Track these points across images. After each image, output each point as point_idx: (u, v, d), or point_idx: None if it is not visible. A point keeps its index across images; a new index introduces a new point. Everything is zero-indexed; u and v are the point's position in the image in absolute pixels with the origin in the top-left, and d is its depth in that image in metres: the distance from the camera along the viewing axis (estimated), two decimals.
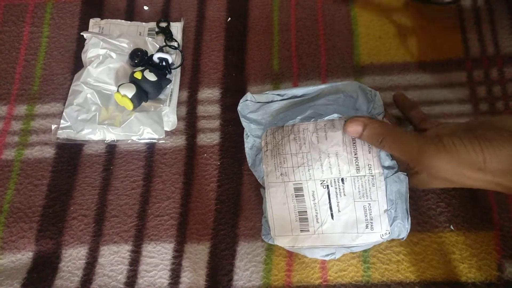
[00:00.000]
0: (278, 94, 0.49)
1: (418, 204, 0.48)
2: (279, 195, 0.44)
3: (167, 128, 0.53)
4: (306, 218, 0.43)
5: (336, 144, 0.43)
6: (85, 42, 0.56)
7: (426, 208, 0.48)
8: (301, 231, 0.43)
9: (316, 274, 0.46)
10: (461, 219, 0.47)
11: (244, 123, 0.49)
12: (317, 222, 0.43)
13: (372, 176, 0.42)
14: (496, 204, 0.48)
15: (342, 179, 0.42)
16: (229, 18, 0.59)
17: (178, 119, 0.54)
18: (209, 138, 0.53)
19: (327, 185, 0.42)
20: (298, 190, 0.43)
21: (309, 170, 0.43)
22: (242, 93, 0.55)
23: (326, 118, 0.44)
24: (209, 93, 0.55)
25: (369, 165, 0.42)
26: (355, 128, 0.41)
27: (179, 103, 0.55)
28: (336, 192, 0.42)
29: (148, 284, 0.47)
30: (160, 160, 0.52)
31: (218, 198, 0.50)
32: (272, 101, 0.49)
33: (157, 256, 0.48)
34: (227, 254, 0.47)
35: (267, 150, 0.45)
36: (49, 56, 0.58)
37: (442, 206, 0.48)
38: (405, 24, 0.57)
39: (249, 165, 0.48)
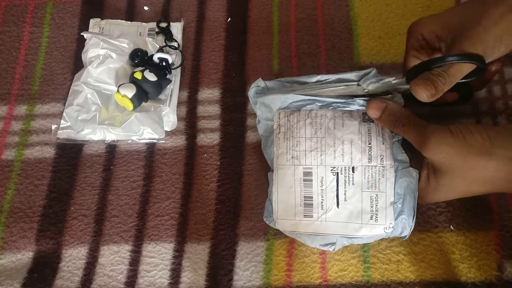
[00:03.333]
0: (289, 82, 0.48)
1: (418, 204, 0.48)
2: (287, 178, 0.44)
3: (167, 128, 0.53)
4: (311, 204, 0.43)
5: (352, 132, 0.44)
6: (85, 42, 0.56)
7: (426, 208, 0.48)
8: (305, 216, 0.43)
9: (316, 274, 0.46)
10: (461, 219, 0.47)
11: (255, 107, 0.49)
12: (322, 209, 0.43)
13: (383, 167, 0.43)
14: (496, 204, 0.48)
15: (353, 168, 0.43)
16: (229, 18, 0.59)
17: (178, 119, 0.54)
18: (209, 138, 0.53)
19: (337, 172, 0.43)
20: (307, 174, 0.43)
21: (321, 155, 0.43)
22: (242, 93, 0.55)
23: (345, 108, 0.45)
24: (209, 93, 0.55)
25: (381, 156, 0.43)
26: (378, 105, 0.43)
27: (179, 103, 0.55)
28: (345, 180, 0.43)
29: (148, 284, 0.47)
30: (160, 160, 0.52)
31: (218, 198, 0.50)
32: (284, 89, 0.48)
33: (157, 256, 0.48)
34: (227, 254, 0.47)
35: (279, 133, 0.45)
36: (49, 56, 0.58)
37: (442, 206, 0.48)
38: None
39: (262, 147, 0.49)
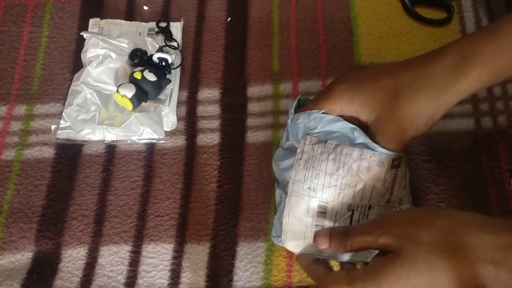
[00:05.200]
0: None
1: (418, 204, 0.48)
2: (301, 208, 0.42)
3: (167, 128, 0.53)
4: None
5: (377, 179, 0.42)
6: (85, 42, 0.56)
7: None
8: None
9: None
10: None
11: (291, 119, 0.45)
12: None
13: (400, 208, 0.42)
14: (497, 204, 0.47)
15: (370, 206, 0.42)
16: (229, 18, 0.59)
17: (178, 119, 0.54)
18: (209, 138, 0.53)
19: (353, 209, 0.42)
20: (322, 207, 0.42)
21: (339, 193, 0.42)
22: (242, 93, 0.55)
23: (374, 151, 0.42)
24: (209, 93, 0.55)
25: (400, 199, 0.42)
26: (324, 233, 0.40)
27: (179, 103, 0.55)
28: (360, 216, 0.42)
29: (148, 284, 0.47)
30: (160, 160, 0.52)
31: (218, 198, 0.50)
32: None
33: (157, 257, 0.48)
34: (227, 255, 0.47)
35: (301, 159, 0.43)
36: (49, 56, 0.58)
37: (442, 206, 0.48)
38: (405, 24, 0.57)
39: (274, 157, 0.46)
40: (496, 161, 0.49)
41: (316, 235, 0.41)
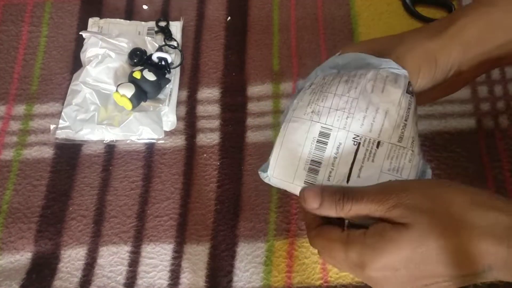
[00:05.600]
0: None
1: None
2: (299, 134, 0.37)
3: (166, 128, 0.53)
4: (317, 171, 0.37)
5: (391, 102, 0.37)
6: (84, 42, 0.55)
7: None
8: (305, 182, 0.37)
9: (317, 275, 0.46)
10: None
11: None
12: (328, 180, 0.36)
13: (412, 151, 0.36)
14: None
15: (379, 143, 0.36)
16: (229, 18, 0.59)
17: (178, 119, 0.54)
18: (208, 138, 0.53)
19: (359, 143, 0.36)
20: (324, 135, 0.37)
21: (347, 117, 0.36)
22: (242, 93, 0.55)
23: (391, 70, 0.38)
24: (209, 93, 0.55)
25: (413, 139, 0.37)
26: (315, 191, 0.36)
27: (178, 103, 0.54)
28: (365, 155, 0.36)
29: (148, 285, 0.46)
30: (159, 160, 0.52)
31: (218, 199, 0.50)
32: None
33: (157, 257, 0.47)
34: (227, 255, 0.47)
35: (308, 88, 0.39)
36: (48, 56, 0.58)
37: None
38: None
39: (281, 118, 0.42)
40: (497, 161, 0.49)
41: (304, 193, 0.36)
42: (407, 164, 0.36)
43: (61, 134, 0.52)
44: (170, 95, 0.54)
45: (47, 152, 0.53)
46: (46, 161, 0.52)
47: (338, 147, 0.36)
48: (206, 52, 0.57)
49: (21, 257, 0.48)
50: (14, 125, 0.55)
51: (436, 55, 0.38)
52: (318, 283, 0.45)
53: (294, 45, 0.57)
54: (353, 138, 0.36)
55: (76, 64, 0.56)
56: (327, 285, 0.45)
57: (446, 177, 0.49)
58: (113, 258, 0.48)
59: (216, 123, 0.53)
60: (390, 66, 0.38)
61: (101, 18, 0.59)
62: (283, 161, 0.37)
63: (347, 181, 0.36)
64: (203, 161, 0.52)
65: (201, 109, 0.54)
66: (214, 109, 0.54)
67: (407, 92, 0.37)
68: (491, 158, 0.49)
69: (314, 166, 0.37)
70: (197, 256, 0.47)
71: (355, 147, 0.36)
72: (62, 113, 0.53)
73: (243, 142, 0.52)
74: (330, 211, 0.35)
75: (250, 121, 0.53)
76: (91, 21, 0.59)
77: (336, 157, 0.36)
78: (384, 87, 0.37)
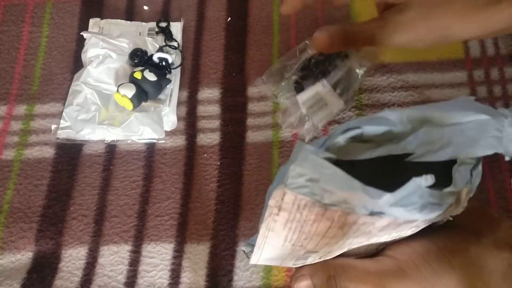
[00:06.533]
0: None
1: None
2: (279, 253, 0.32)
3: (167, 128, 0.53)
4: (307, 259, 0.34)
5: (408, 229, 0.31)
6: (85, 42, 0.56)
7: None
8: (294, 265, 0.35)
9: None
10: None
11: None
12: (320, 259, 0.33)
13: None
14: (497, 204, 0.47)
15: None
16: (229, 18, 0.59)
17: (178, 119, 0.54)
18: (209, 138, 0.53)
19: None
20: (312, 252, 0.32)
21: (341, 246, 0.31)
22: (242, 93, 0.55)
23: (408, 218, 0.28)
24: (209, 93, 0.55)
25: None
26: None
27: (179, 103, 0.55)
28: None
29: (148, 284, 0.47)
30: (160, 160, 0.52)
31: (218, 198, 0.50)
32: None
33: (157, 256, 0.48)
34: (227, 255, 0.47)
35: (278, 215, 0.28)
36: (49, 56, 0.58)
37: None
38: None
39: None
40: (496, 161, 0.49)
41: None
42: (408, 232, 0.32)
43: (62, 134, 0.52)
44: (170, 95, 0.54)
45: (48, 152, 0.53)
46: (47, 161, 0.53)
47: (329, 252, 0.32)
48: (206, 53, 0.57)
49: (22, 257, 0.48)
50: (15, 125, 0.55)
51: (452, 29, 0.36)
52: None
53: (294, 46, 0.57)
54: (348, 248, 0.32)
55: (77, 65, 0.57)
56: None
57: None
58: (113, 258, 0.48)
59: (216, 123, 0.54)
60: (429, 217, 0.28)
61: (102, 18, 0.59)
62: (266, 261, 0.33)
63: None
64: (204, 161, 0.52)
65: (201, 109, 0.54)
66: (215, 109, 0.54)
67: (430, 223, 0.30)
68: (490, 158, 0.49)
69: (304, 258, 0.33)
70: (198, 255, 0.47)
71: (348, 248, 0.32)
72: (63, 113, 0.53)
73: (243, 142, 0.52)
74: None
75: (250, 121, 0.53)
76: (92, 21, 0.59)
77: (326, 256, 0.33)
78: (398, 227, 0.29)
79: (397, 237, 0.32)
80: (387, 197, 0.26)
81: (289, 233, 0.29)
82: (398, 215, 0.27)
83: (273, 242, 0.31)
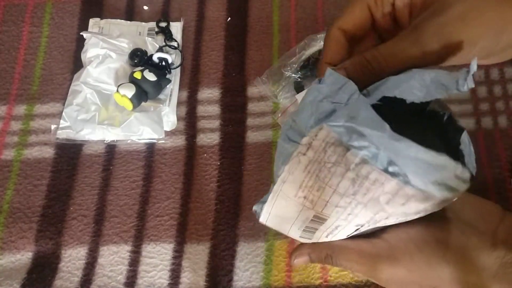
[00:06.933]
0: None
1: None
2: (289, 211, 0.33)
3: (166, 128, 0.53)
4: (313, 233, 0.35)
5: (409, 212, 0.31)
6: (85, 42, 0.56)
7: None
8: (300, 237, 0.37)
9: (316, 274, 0.46)
10: None
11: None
12: (326, 237, 0.35)
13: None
14: (497, 203, 0.47)
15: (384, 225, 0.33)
16: (229, 18, 0.59)
17: (178, 119, 0.54)
18: (209, 138, 0.53)
19: (360, 227, 0.33)
20: (319, 219, 0.32)
21: (349, 215, 0.31)
22: (242, 93, 0.55)
23: (419, 187, 0.29)
24: (209, 93, 0.55)
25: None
26: (300, 252, 0.39)
27: (179, 103, 0.54)
28: (367, 227, 0.33)
29: (148, 284, 0.46)
30: (159, 160, 0.52)
31: (218, 198, 0.50)
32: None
33: (157, 257, 0.48)
34: (227, 255, 0.47)
35: (304, 155, 0.30)
36: (49, 56, 0.58)
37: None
38: None
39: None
40: (497, 161, 0.49)
41: (292, 255, 0.38)
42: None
43: (62, 134, 0.52)
44: (170, 95, 0.54)
45: (48, 152, 0.53)
46: (47, 161, 0.53)
47: (337, 227, 0.33)
48: (206, 53, 0.57)
49: (22, 257, 0.48)
50: (15, 125, 0.55)
51: (509, 25, 0.29)
52: (317, 282, 0.45)
53: (294, 46, 0.57)
54: (355, 226, 0.33)
55: (77, 65, 0.57)
56: (326, 284, 0.45)
57: None
58: (113, 258, 0.48)
59: (216, 123, 0.54)
60: (428, 189, 0.29)
61: (101, 18, 0.59)
62: (275, 219, 0.35)
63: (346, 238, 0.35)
64: (204, 161, 0.52)
65: (201, 109, 0.54)
66: (214, 109, 0.54)
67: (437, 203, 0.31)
68: (491, 158, 0.49)
69: (309, 230, 0.35)
70: (198, 255, 0.47)
71: (355, 229, 0.33)
72: (63, 113, 0.53)
73: (243, 142, 0.52)
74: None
75: (250, 121, 0.53)
76: (91, 21, 0.59)
77: (333, 230, 0.34)
78: (404, 202, 0.29)
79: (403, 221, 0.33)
80: (408, 142, 0.27)
81: (306, 178, 0.30)
82: (414, 170, 0.28)
83: (287, 191, 0.32)
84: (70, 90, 0.54)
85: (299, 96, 0.50)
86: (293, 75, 0.52)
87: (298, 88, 0.51)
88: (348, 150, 0.28)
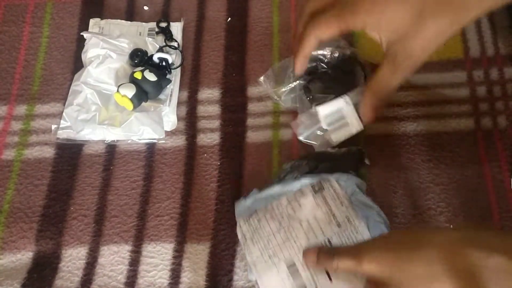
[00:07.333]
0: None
1: (418, 204, 0.48)
2: (274, 280, 0.42)
3: (167, 128, 0.53)
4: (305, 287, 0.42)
5: (312, 208, 0.44)
6: (85, 42, 0.56)
7: (426, 208, 0.48)
8: None
9: None
10: (461, 219, 0.47)
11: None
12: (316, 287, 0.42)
13: (354, 227, 0.43)
14: (497, 204, 0.48)
15: (329, 240, 0.42)
16: (229, 18, 0.59)
17: (178, 119, 0.54)
18: (209, 138, 0.53)
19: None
20: (292, 267, 0.42)
21: (295, 242, 0.43)
22: (242, 93, 0.55)
23: (294, 189, 0.45)
24: (209, 93, 0.55)
25: (347, 217, 0.43)
26: (310, 252, 0.42)
27: (179, 103, 0.55)
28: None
29: (148, 284, 0.47)
30: (160, 160, 0.52)
31: (218, 198, 0.50)
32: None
33: (157, 256, 0.48)
34: (227, 254, 0.47)
35: (246, 241, 0.45)
36: (49, 56, 0.58)
37: (442, 206, 0.48)
38: None
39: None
40: (496, 161, 0.49)
41: (305, 253, 0.42)
42: (357, 236, 0.42)
43: (62, 134, 0.52)
44: (170, 95, 0.54)
45: (48, 152, 0.53)
46: (47, 161, 0.53)
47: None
48: (207, 53, 0.57)
49: (23, 257, 0.48)
50: (16, 125, 0.55)
51: (448, 38, 0.37)
52: None
53: None
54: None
55: (77, 65, 0.57)
56: None
57: (445, 177, 0.49)
58: (114, 257, 0.48)
59: (216, 123, 0.54)
60: (293, 186, 0.45)
61: (102, 18, 0.59)
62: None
63: (331, 281, 0.41)
64: (204, 161, 0.52)
65: (201, 110, 0.55)
66: (215, 109, 0.54)
67: (315, 193, 0.45)
68: (490, 158, 0.49)
69: None
70: (198, 255, 0.47)
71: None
72: (63, 113, 0.53)
73: (243, 142, 0.53)
74: (325, 265, 0.40)
75: (250, 121, 0.53)
76: (92, 21, 0.59)
77: (311, 272, 0.42)
78: (298, 203, 0.45)
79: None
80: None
81: (259, 244, 0.44)
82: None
83: (267, 281, 0.42)
84: (70, 90, 0.54)
85: (322, 110, 0.49)
86: (300, 80, 0.51)
87: (308, 93, 0.51)
88: (256, 211, 0.46)
